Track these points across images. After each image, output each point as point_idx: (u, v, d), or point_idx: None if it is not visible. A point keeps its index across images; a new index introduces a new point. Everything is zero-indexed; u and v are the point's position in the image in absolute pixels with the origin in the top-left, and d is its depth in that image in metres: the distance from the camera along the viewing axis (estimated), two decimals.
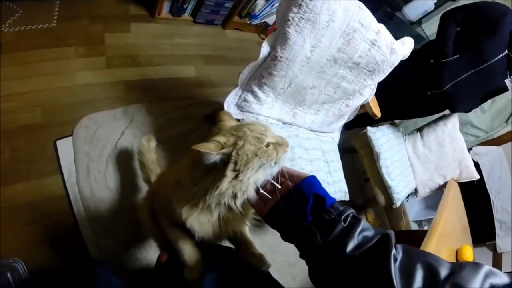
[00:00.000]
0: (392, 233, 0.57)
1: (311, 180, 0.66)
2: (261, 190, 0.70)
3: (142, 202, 1.29)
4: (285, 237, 0.66)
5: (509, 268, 2.65)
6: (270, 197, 0.69)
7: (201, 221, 0.80)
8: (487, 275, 0.48)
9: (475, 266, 0.49)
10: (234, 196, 0.71)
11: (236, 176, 0.68)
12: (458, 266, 0.50)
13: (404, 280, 0.49)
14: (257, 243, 0.94)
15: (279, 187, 0.68)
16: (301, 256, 0.64)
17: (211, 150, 0.67)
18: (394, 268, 0.50)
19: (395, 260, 0.52)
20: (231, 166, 0.68)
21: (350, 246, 0.55)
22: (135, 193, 1.67)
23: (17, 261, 1.30)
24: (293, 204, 0.64)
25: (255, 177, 0.69)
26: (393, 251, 0.52)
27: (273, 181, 0.70)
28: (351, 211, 0.61)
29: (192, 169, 0.74)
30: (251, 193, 0.70)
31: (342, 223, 0.58)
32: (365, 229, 0.59)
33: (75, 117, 1.73)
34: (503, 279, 0.47)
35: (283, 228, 0.66)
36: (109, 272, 1.09)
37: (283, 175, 0.70)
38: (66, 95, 1.78)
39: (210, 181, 0.70)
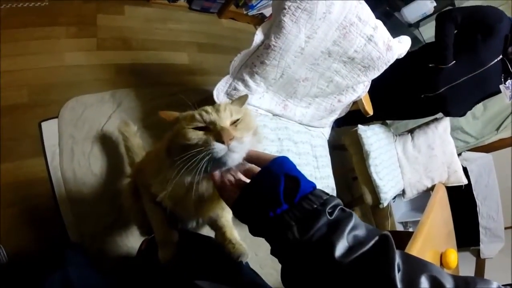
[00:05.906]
0: (390, 236, 0.46)
1: (282, 160, 0.54)
2: (226, 177, 0.61)
3: (127, 180, 1.25)
4: (254, 230, 0.53)
5: (492, 274, 2.68)
6: (239, 183, 0.59)
7: (175, 198, 0.73)
8: None
9: (485, 282, 0.42)
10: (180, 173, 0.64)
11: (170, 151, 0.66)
12: (463, 282, 0.42)
13: None
14: (240, 235, 0.90)
15: (240, 178, 0.60)
16: (273, 252, 0.52)
17: (166, 117, 0.69)
18: (399, 281, 0.40)
19: (398, 270, 0.41)
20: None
21: (339, 249, 0.43)
22: (118, 179, 1.63)
23: None
24: (262, 189, 0.52)
25: (183, 160, 0.60)
26: (397, 259, 0.42)
27: (242, 163, 0.61)
28: (338, 201, 0.49)
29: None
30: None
31: (327, 215, 0.46)
32: (356, 226, 0.46)
33: (62, 98, 1.69)
34: None
35: (250, 218, 0.53)
36: (82, 257, 1.05)
37: (253, 160, 0.60)
38: (54, 75, 1.73)
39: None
